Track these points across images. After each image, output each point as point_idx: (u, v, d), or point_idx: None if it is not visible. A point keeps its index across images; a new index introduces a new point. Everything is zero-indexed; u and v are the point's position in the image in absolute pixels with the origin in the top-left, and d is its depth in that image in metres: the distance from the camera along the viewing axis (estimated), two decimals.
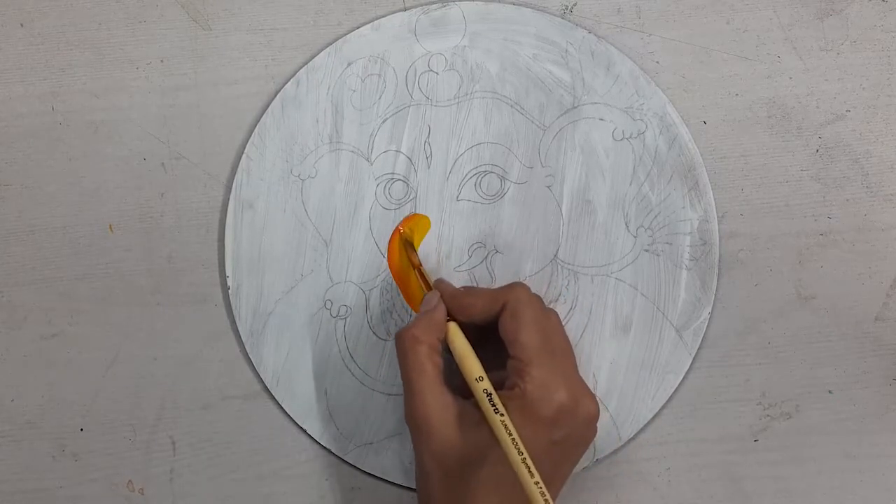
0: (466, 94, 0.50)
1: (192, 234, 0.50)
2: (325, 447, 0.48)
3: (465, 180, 0.49)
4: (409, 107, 0.50)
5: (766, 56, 0.50)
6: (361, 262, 0.49)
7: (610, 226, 0.49)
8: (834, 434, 0.48)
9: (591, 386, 0.46)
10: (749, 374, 0.49)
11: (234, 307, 0.49)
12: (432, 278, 0.47)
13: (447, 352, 0.44)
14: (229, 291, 0.49)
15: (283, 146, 0.50)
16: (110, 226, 0.50)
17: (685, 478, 0.48)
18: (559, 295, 0.49)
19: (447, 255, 0.49)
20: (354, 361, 0.48)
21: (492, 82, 0.50)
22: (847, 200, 0.49)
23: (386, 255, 0.49)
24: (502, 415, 0.40)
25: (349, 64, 0.50)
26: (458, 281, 0.48)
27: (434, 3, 0.51)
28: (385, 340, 0.48)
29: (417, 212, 0.49)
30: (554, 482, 0.42)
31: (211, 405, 0.49)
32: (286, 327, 0.49)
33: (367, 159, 0.50)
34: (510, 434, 0.39)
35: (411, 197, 0.49)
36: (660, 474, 0.48)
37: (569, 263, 0.49)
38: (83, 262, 0.50)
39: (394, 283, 0.49)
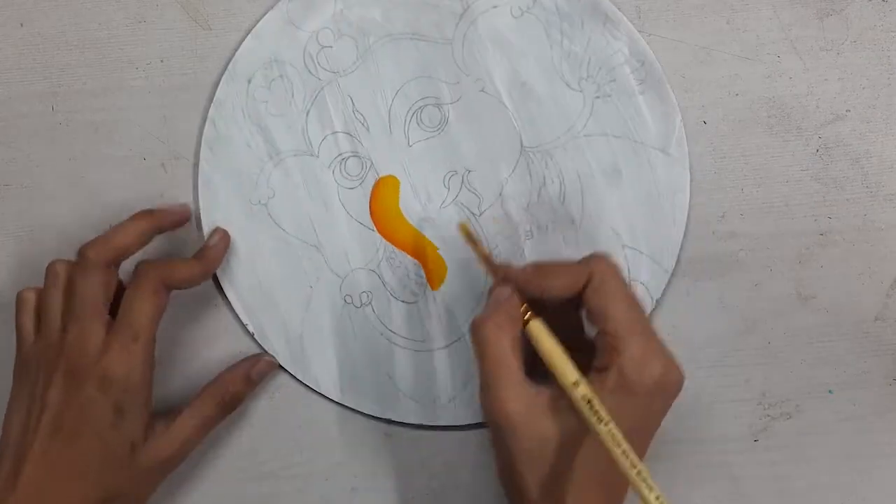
0: (366, 50, 0.50)
1: (192, 234, 0.50)
2: (423, 425, 0.48)
3: (407, 125, 0.50)
4: (322, 89, 0.50)
5: (766, 56, 0.50)
6: (357, 246, 0.49)
7: (554, 94, 0.49)
8: (834, 434, 0.48)
9: (616, 243, 0.48)
10: (749, 374, 0.49)
11: (265, 348, 0.49)
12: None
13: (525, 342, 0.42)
14: (255, 336, 0.49)
15: (232, 184, 0.49)
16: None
17: (685, 478, 0.48)
18: (544, 179, 0.49)
19: (428, 199, 0.49)
20: (398, 335, 0.49)
21: (382, 28, 0.50)
22: (847, 200, 0.49)
23: (375, 228, 0.49)
24: (607, 423, 0.38)
25: (249, 80, 0.50)
26: (454, 222, 0.49)
27: None
28: (415, 303, 0.49)
29: (380, 176, 0.49)
30: (643, 452, 0.41)
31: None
32: (323, 340, 0.49)
33: (312, 154, 0.50)
34: (619, 446, 0.37)
35: (368, 167, 0.50)
36: (660, 474, 0.48)
37: (537, 146, 0.49)
38: None
39: (395, 248, 0.49)
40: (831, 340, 0.49)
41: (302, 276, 0.49)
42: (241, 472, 0.49)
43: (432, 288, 0.49)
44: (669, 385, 0.41)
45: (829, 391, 0.48)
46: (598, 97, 0.49)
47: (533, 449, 0.40)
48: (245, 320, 0.49)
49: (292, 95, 0.50)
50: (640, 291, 0.48)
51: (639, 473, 0.37)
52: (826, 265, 0.49)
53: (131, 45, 0.51)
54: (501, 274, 0.42)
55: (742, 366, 0.49)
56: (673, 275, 0.49)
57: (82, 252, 0.44)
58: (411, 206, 0.49)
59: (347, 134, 0.50)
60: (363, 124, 0.50)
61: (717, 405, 0.48)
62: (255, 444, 0.49)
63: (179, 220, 0.48)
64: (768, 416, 0.48)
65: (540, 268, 0.42)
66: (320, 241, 0.49)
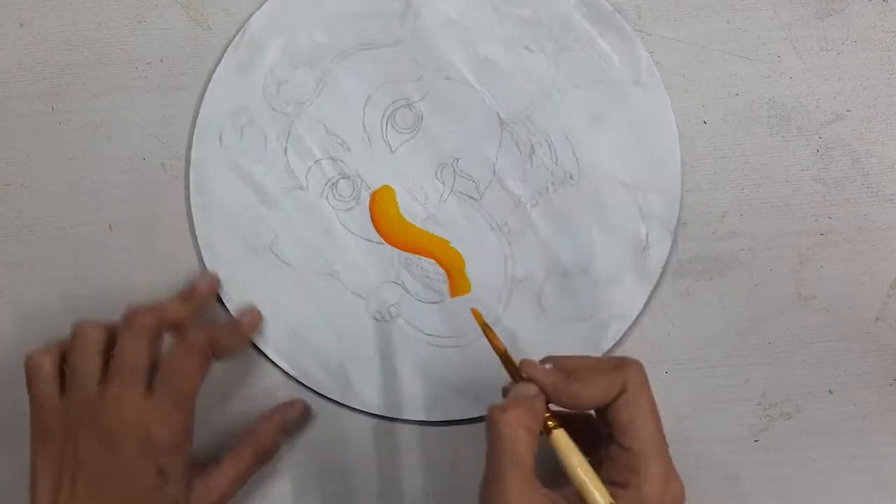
0: (323, 72, 0.50)
1: (192, 233, 0.50)
2: (460, 419, 0.48)
3: (384, 133, 0.50)
4: (292, 123, 0.50)
5: (766, 56, 0.50)
6: (371, 263, 0.49)
7: (517, 61, 0.50)
8: (834, 434, 0.48)
9: (617, 184, 0.49)
10: (749, 374, 0.49)
11: (310, 386, 0.49)
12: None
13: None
14: (298, 379, 0.49)
15: (233, 237, 0.49)
16: (110, 226, 0.50)
17: (685, 478, 0.48)
18: (531, 145, 0.49)
19: (427, 198, 0.49)
20: (435, 336, 0.49)
21: (331, 47, 0.50)
22: (847, 200, 0.49)
23: (384, 240, 0.49)
24: None
25: (220, 136, 0.50)
26: (457, 212, 0.49)
27: (237, 32, 0.50)
28: (441, 301, 0.49)
29: (372, 189, 0.49)
30: None
31: (211, 406, 0.49)
32: (362, 361, 0.49)
33: (301, 188, 0.49)
34: None
35: (359, 184, 0.50)
36: None
37: (515, 116, 0.49)
38: (83, 262, 0.50)
39: (409, 254, 0.49)
40: (831, 340, 0.49)
41: (329, 308, 0.49)
42: None
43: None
44: (679, 502, 0.39)
45: (829, 391, 0.48)
46: (559, 52, 0.49)
47: None
48: (285, 368, 0.49)
49: (265, 138, 0.50)
50: (656, 229, 0.48)
51: None
52: (826, 265, 0.49)
53: (131, 45, 0.51)
54: (525, 375, 0.40)
55: (742, 366, 0.49)
56: (673, 275, 0.49)
57: (132, 318, 0.43)
58: (412, 209, 0.49)
59: (330, 158, 0.49)
60: (342, 145, 0.49)
61: (717, 405, 0.48)
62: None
63: (212, 296, 0.49)
64: (768, 416, 0.48)
65: (570, 374, 0.40)
66: (335, 268, 0.49)
